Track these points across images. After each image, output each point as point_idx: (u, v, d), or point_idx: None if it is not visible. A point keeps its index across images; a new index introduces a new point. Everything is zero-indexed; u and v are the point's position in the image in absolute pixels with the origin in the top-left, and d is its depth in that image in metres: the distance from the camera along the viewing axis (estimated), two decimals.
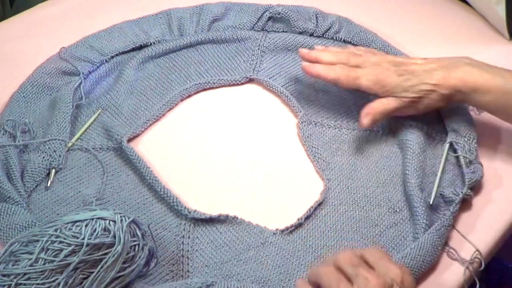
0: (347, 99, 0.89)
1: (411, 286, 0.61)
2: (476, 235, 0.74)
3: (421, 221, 0.73)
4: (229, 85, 0.91)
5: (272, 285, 0.69)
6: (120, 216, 0.65)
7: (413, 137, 0.81)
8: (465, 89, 0.78)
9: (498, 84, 0.77)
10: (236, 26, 0.98)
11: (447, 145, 0.81)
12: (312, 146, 0.83)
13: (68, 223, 0.64)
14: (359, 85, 0.81)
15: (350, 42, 0.97)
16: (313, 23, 0.98)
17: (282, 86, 0.90)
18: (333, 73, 0.82)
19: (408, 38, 0.99)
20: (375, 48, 0.95)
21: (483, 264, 0.71)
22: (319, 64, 0.84)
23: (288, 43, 0.96)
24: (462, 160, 0.79)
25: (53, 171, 0.78)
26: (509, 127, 0.85)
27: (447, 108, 0.83)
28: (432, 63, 0.81)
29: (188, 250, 0.71)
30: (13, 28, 0.98)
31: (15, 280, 0.61)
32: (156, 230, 0.73)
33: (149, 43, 0.95)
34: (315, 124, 0.85)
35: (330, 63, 0.84)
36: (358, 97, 0.88)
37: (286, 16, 0.98)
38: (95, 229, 0.63)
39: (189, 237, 0.72)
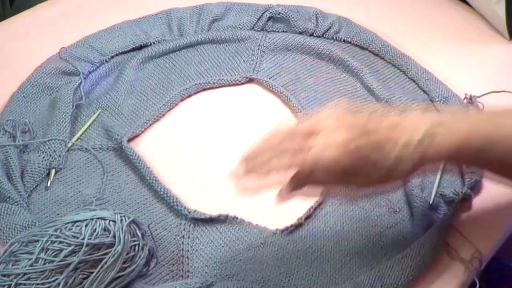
0: (347, 99, 0.89)
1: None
2: (476, 235, 0.74)
3: (421, 221, 0.73)
4: (229, 85, 0.91)
5: (272, 285, 0.69)
6: (120, 216, 0.65)
7: None
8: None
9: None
10: (236, 26, 0.98)
11: None
12: None
13: (68, 223, 0.64)
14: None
15: (350, 42, 0.97)
16: (313, 23, 0.98)
17: (282, 86, 0.90)
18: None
19: (408, 38, 0.99)
20: (375, 48, 0.95)
21: (483, 263, 0.71)
22: None
23: (288, 43, 0.96)
24: None
25: (53, 171, 0.78)
26: None
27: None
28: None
29: (188, 250, 0.71)
30: (13, 28, 0.98)
31: (15, 280, 0.61)
32: (156, 230, 0.73)
33: (149, 43, 0.95)
34: None
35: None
36: (359, 97, 0.88)
37: (286, 16, 0.98)
38: (95, 229, 0.63)
39: (189, 237, 0.72)
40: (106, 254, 0.63)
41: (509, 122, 0.62)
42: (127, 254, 0.64)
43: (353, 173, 0.61)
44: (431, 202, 0.75)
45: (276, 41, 0.96)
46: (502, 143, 0.60)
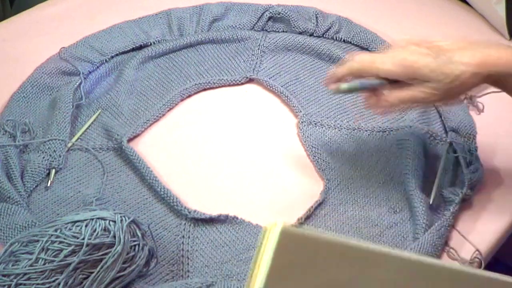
0: (347, 99, 0.89)
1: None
2: (476, 235, 0.74)
3: (421, 221, 0.73)
4: (229, 85, 0.91)
5: None
6: (120, 216, 0.65)
7: (413, 137, 0.81)
8: (503, 68, 0.68)
9: None
10: (236, 26, 0.98)
11: (447, 145, 0.81)
12: (312, 146, 0.83)
13: (68, 223, 0.64)
14: (377, 69, 0.70)
15: (350, 42, 0.97)
16: (313, 23, 0.98)
17: (282, 86, 0.90)
18: (343, 67, 0.72)
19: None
20: (375, 48, 0.95)
21: (483, 264, 0.71)
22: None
23: (288, 43, 0.96)
24: (462, 160, 0.79)
25: (53, 171, 0.78)
26: (510, 127, 0.85)
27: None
28: (462, 43, 0.72)
29: (188, 250, 0.71)
30: (13, 28, 0.98)
31: (15, 280, 0.61)
32: (156, 230, 0.73)
33: (149, 43, 0.95)
34: (315, 124, 0.85)
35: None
36: (359, 97, 0.88)
37: (286, 16, 0.98)
38: (95, 229, 0.63)
39: (189, 237, 0.72)
40: (106, 254, 0.63)
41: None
42: (127, 254, 0.64)
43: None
44: (431, 202, 0.75)
45: (276, 41, 0.96)
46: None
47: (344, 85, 0.71)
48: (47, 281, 0.61)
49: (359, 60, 0.71)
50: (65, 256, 0.62)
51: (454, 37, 1.01)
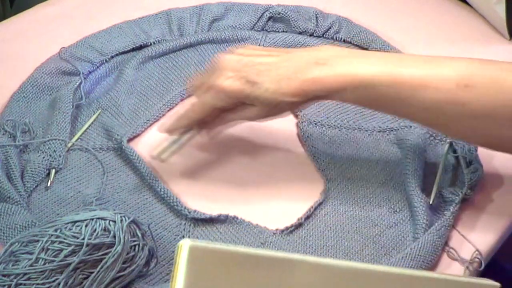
0: None
1: None
2: (476, 235, 0.74)
3: (421, 221, 0.73)
4: None
5: None
6: (120, 216, 0.65)
7: (413, 137, 0.81)
8: (325, 90, 0.69)
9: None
10: (236, 26, 0.98)
11: (447, 145, 0.81)
12: (312, 146, 0.83)
13: (68, 223, 0.64)
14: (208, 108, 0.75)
15: (350, 42, 0.97)
16: (313, 23, 0.98)
17: None
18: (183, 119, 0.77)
19: (408, 38, 0.99)
20: (374, 48, 0.95)
21: (483, 264, 0.71)
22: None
23: (288, 43, 0.96)
24: (462, 160, 0.79)
25: (53, 171, 0.78)
26: None
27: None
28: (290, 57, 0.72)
29: None
30: (13, 28, 0.98)
31: (15, 280, 0.61)
32: (156, 230, 0.73)
33: (149, 43, 0.95)
34: (315, 124, 0.85)
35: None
36: None
37: (286, 16, 0.98)
38: (95, 229, 0.63)
39: (189, 237, 0.72)
40: (106, 254, 0.63)
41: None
42: (127, 254, 0.64)
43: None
44: (431, 202, 0.75)
45: (276, 41, 0.96)
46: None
47: (164, 155, 0.78)
48: (47, 281, 0.61)
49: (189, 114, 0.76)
50: (65, 256, 0.62)
51: (454, 37, 1.01)
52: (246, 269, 0.52)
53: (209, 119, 0.76)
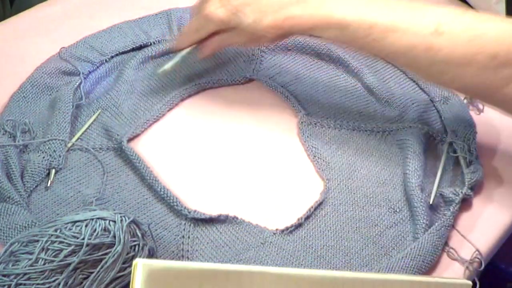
0: (347, 99, 0.89)
1: None
2: (476, 235, 0.74)
3: (421, 221, 0.73)
4: (229, 85, 0.91)
5: None
6: (120, 216, 0.65)
7: (413, 137, 0.81)
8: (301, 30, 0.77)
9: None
10: None
11: (447, 145, 0.81)
12: (312, 146, 0.83)
13: (68, 223, 0.64)
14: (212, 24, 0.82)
15: None
16: None
17: (282, 86, 0.90)
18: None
19: None
20: None
21: (483, 264, 0.71)
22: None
23: (288, 43, 0.96)
24: (462, 160, 0.79)
25: (53, 171, 0.78)
26: (509, 127, 0.85)
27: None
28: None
29: (188, 250, 0.71)
30: (13, 28, 0.98)
31: (15, 280, 0.61)
32: (156, 230, 0.73)
33: (149, 43, 0.95)
34: (315, 124, 0.85)
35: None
36: (359, 97, 0.88)
37: None
38: (95, 229, 0.63)
39: (189, 237, 0.72)
40: (106, 254, 0.63)
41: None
42: (127, 254, 0.64)
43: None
44: (431, 202, 0.75)
45: None
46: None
47: (168, 65, 0.87)
48: (47, 281, 0.61)
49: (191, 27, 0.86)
50: (65, 256, 0.62)
51: None
52: (204, 284, 0.54)
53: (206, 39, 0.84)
